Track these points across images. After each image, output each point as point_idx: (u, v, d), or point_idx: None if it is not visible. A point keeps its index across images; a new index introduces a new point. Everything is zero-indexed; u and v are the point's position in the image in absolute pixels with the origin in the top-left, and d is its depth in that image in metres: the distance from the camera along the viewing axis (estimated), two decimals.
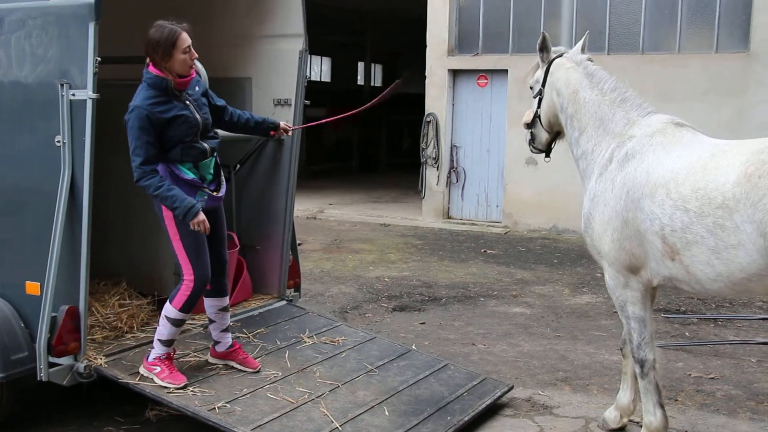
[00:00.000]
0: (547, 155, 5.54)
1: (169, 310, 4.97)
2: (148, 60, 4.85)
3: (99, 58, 4.62)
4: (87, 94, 4.61)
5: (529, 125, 5.42)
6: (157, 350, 5.01)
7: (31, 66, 4.85)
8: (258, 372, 5.23)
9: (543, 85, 5.22)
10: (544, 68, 5.21)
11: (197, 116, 4.94)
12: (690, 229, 4.24)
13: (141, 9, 6.28)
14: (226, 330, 5.31)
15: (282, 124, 5.63)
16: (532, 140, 5.49)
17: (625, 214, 4.56)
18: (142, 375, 4.97)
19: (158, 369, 4.96)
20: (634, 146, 4.67)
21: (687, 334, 7.69)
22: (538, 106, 5.30)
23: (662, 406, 4.84)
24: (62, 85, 4.66)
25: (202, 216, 4.79)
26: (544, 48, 5.21)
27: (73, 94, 4.64)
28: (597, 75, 5.07)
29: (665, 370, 6.56)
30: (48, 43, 4.78)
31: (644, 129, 4.72)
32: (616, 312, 8.35)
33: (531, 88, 5.37)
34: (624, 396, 5.24)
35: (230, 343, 5.31)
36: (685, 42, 13.29)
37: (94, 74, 4.60)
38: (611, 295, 4.86)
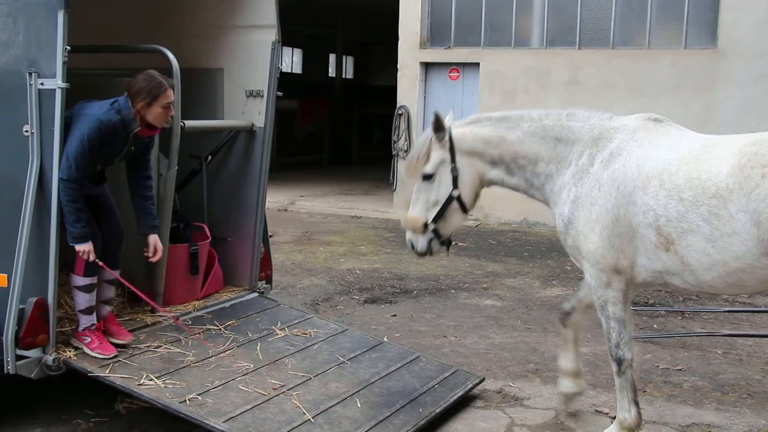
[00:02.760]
0: (450, 246, 5.30)
1: (75, 279, 5.08)
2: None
3: (68, 47, 4.55)
4: (56, 83, 4.54)
5: (436, 217, 5.04)
6: (83, 321, 5.09)
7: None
8: (128, 345, 5.22)
9: (453, 160, 4.97)
10: (447, 146, 4.96)
11: (123, 151, 5.10)
12: (685, 218, 4.28)
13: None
14: (106, 302, 5.32)
15: (150, 244, 5.33)
16: (438, 236, 5.10)
17: (616, 211, 4.55)
18: (73, 345, 5.04)
19: (88, 339, 5.03)
20: (618, 145, 4.68)
21: (655, 326, 7.78)
22: (455, 186, 4.97)
23: (637, 404, 4.89)
24: (30, 74, 4.59)
25: (89, 248, 4.91)
26: (439, 127, 4.95)
27: (42, 83, 4.58)
28: (504, 116, 5.03)
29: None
30: (16, 30, 4.69)
31: (623, 128, 4.74)
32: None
33: (430, 176, 4.99)
34: (566, 361, 5.33)
35: (104, 315, 5.30)
36: (654, 37, 13.43)
37: (64, 63, 4.53)
38: (593, 295, 4.87)
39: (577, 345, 5.34)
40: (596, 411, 5.59)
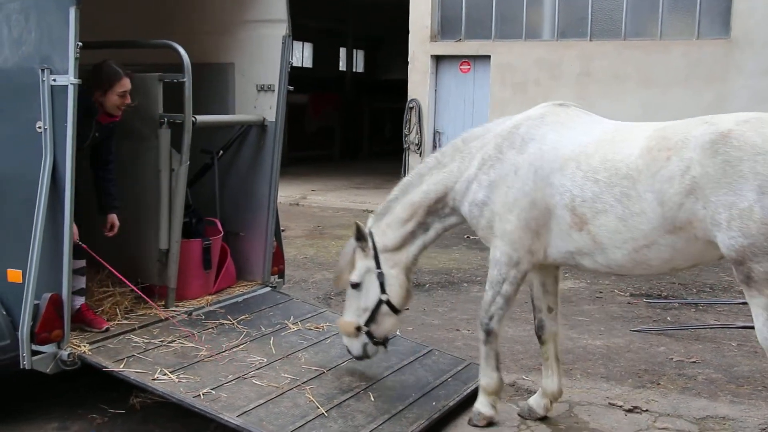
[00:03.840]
0: (386, 344, 5.35)
1: None
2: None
3: (80, 43, 4.56)
4: (68, 79, 4.55)
5: (368, 322, 5.15)
6: (76, 303, 5.26)
7: (11, 51, 4.79)
8: (107, 330, 5.29)
9: (378, 266, 5.14)
10: (371, 253, 5.15)
11: (89, 137, 5.24)
12: (600, 198, 4.47)
13: None
14: (77, 292, 5.33)
15: (108, 222, 5.54)
16: (371, 338, 5.20)
17: (534, 194, 4.69)
18: (87, 341, 5.10)
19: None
20: (528, 130, 4.82)
21: (668, 318, 7.75)
22: (382, 291, 5.12)
23: (499, 370, 5.10)
24: (43, 70, 4.60)
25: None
26: (360, 237, 5.16)
27: (54, 80, 4.58)
28: (405, 184, 5.20)
29: (647, 355, 6.63)
30: (28, 27, 4.71)
31: (528, 117, 4.91)
32: (599, 297, 8.45)
33: (357, 284, 5.17)
34: (550, 382, 5.27)
35: (78, 307, 5.32)
36: (666, 28, 13.36)
37: (76, 59, 4.54)
38: (493, 269, 4.95)
39: (559, 362, 5.30)
40: (610, 404, 5.57)
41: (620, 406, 5.51)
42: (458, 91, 14.72)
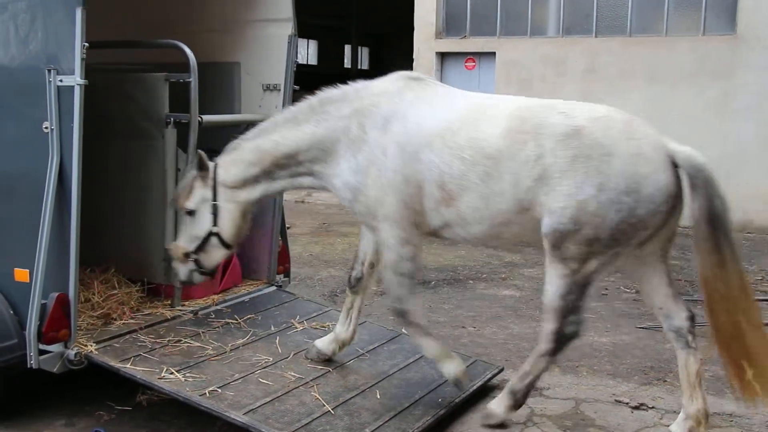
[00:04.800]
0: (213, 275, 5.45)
1: None
2: None
3: (87, 44, 4.57)
4: (75, 79, 4.56)
5: (197, 250, 5.19)
6: None
7: (17, 51, 4.80)
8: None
9: (215, 198, 5.13)
10: (210, 184, 5.12)
11: None
12: (466, 176, 4.61)
13: None
14: None
15: None
16: (199, 267, 5.25)
17: (405, 171, 4.77)
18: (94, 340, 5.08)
19: None
20: (389, 109, 4.87)
21: None
22: (214, 223, 5.13)
23: (431, 335, 5.20)
24: (49, 70, 4.61)
25: None
26: (202, 167, 5.13)
27: (61, 80, 4.59)
28: (261, 129, 5.20)
29: (654, 352, 6.63)
30: (34, 27, 4.72)
31: (385, 92, 4.95)
32: (604, 294, 8.44)
33: (192, 212, 5.17)
34: (345, 330, 5.43)
35: None
36: (672, 24, 13.33)
37: (82, 60, 4.55)
38: (387, 253, 5.00)
39: (360, 314, 5.54)
40: (616, 401, 5.58)
41: (626, 403, 5.52)
42: (463, 87, 14.41)
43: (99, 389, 5.43)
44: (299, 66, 6.53)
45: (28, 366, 4.75)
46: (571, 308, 4.62)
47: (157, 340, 5.29)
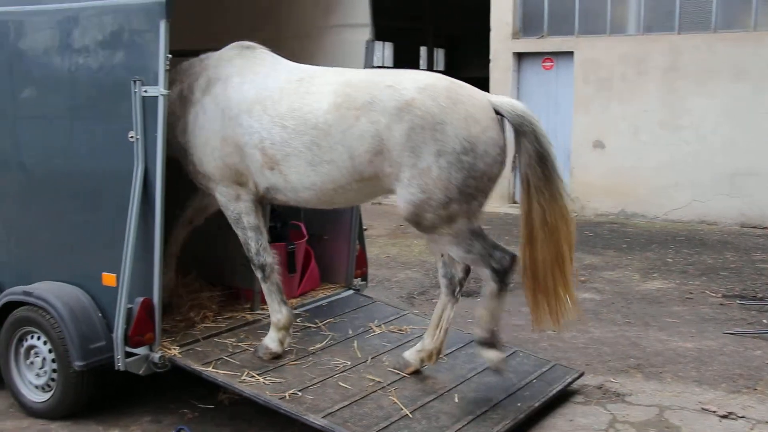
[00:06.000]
0: None
1: None
2: None
3: (170, 55, 4.69)
4: (159, 90, 4.68)
5: None
6: None
7: (105, 63, 4.95)
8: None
9: None
10: None
11: None
12: (289, 143, 4.83)
13: (212, 2, 6.36)
14: None
15: None
16: None
17: (224, 132, 5.01)
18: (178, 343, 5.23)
19: None
20: (215, 72, 5.14)
21: (765, 321, 7.48)
22: None
23: (286, 303, 5.36)
24: (135, 81, 4.75)
25: None
26: None
27: (146, 91, 4.72)
28: None
29: (742, 359, 6.41)
30: (121, 40, 4.87)
31: (218, 57, 5.22)
32: (689, 298, 8.22)
33: None
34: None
35: None
36: (761, 18, 12.83)
37: (166, 71, 4.67)
38: (225, 211, 5.25)
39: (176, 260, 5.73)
40: (702, 409, 5.41)
41: (714, 412, 5.35)
42: (541, 88, 14.51)
43: (183, 388, 5.56)
44: (376, 68, 6.55)
45: (116, 368, 4.91)
46: (486, 252, 4.86)
47: (238, 344, 5.39)
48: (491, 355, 5.10)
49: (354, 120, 4.69)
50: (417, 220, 4.77)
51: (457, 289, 5.31)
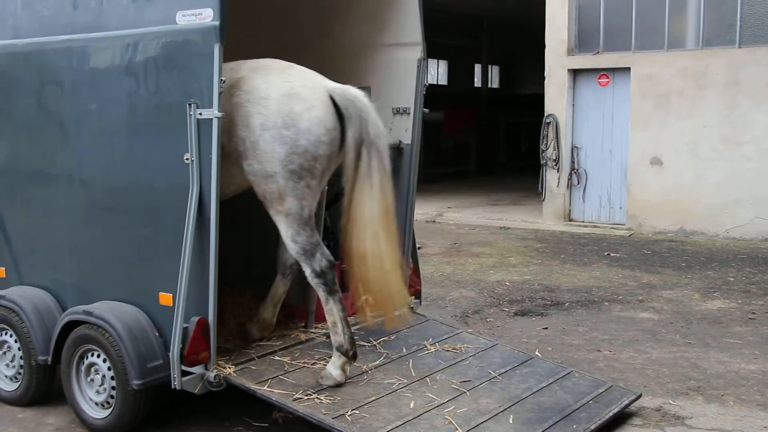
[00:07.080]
0: None
1: None
2: None
3: (223, 79, 4.77)
4: (213, 113, 4.76)
5: None
6: None
7: (161, 86, 5.05)
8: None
9: None
10: None
11: None
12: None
13: (263, 21, 6.45)
14: None
15: None
16: None
17: None
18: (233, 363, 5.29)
19: None
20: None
21: None
22: None
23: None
24: (190, 104, 4.84)
25: None
26: None
27: (200, 113, 4.81)
28: None
29: None
30: (176, 64, 4.97)
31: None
32: (751, 318, 8.02)
33: None
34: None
35: None
36: None
37: (220, 93, 4.75)
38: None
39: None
40: None
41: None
42: (597, 104, 14.36)
43: (238, 404, 5.61)
44: (430, 86, 6.57)
45: (172, 387, 4.97)
46: (308, 249, 5.10)
47: (292, 362, 5.42)
48: (334, 372, 5.20)
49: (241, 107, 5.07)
50: (261, 194, 5.08)
51: (288, 272, 5.72)
